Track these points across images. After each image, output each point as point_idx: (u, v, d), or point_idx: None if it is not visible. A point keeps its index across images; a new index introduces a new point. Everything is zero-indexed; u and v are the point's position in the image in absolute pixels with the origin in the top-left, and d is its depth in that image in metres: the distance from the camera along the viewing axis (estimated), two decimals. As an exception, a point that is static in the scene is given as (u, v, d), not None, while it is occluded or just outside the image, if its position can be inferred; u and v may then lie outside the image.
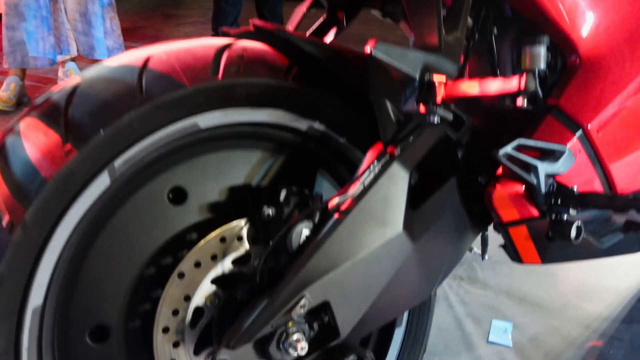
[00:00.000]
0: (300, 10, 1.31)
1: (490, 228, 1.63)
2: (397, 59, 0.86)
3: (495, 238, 1.74)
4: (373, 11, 1.33)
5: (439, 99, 0.85)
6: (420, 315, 1.26)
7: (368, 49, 0.84)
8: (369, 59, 0.83)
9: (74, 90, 0.85)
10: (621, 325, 1.81)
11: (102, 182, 0.85)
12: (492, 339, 1.76)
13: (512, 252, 1.22)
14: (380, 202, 0.95)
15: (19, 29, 3.30)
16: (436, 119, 0.87)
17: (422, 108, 0.88)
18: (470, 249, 1.94)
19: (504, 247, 1.23)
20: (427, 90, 0.87)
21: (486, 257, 1.83)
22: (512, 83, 0.76)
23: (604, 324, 1.83)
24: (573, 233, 1.08)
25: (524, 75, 0.75)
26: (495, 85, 0.78)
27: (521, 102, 0.77)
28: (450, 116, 0.88)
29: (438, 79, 0.86)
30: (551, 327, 1.82)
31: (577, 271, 2.16)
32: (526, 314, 1.89)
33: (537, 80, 1.15)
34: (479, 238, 1.75)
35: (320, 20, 1.37)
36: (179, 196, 0.98)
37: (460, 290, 2.04)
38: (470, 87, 0.81)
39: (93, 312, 0.92)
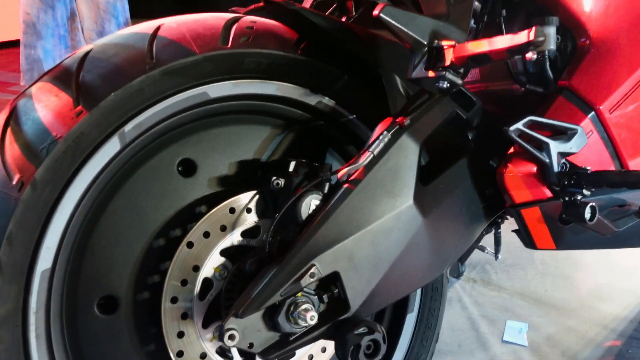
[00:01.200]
0: (310, -2, 1.33)
1: (504, 231, 1.62)
2: (405, 23, 0.86)
3: (508, 241, 1.73)
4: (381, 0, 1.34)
5: (447, 62, 0.85)
6: (433, 301, 1.24)
7: (376, 11, 0.84)
8: (378, 20, 0.84)
9: (85, 55, 0.86)
10: (639, 326, 1.77)
11: (112, 147, 0.85)
12: (506, 338, 1.73)
13: (526, 236, 1.19)
14: (390, 172, 0.94)
15: (36, 47, 3.36)
16: (445, 84, 0.87)
17: (430, 73, 0.88)
18: (483, 249, 1.92)
19: (517, 232, 1.21)
20: (436, 55, 0.87)
21: (499, 257, 1.81)
22: (521, 36, 0.76)
23: (621, 324, 1.79)
24: (587, 214, 1.06)
25: (534, 28, 0.75)
26: (503, 41, 0.78)
27: (531, 55, 0.76)
28: (459, 81, 0.87)
29: (447, 43, 0.86)
30: (568, 328, 1.78)
31: (593, 274, 2.12)
32: (541, 315, 1.86)
33: (548, 61, 1.16)
34: (492, 239, 1.74)
35: (330, 9, 1.39)
36: (188, 168, 0.98)
37: (474, 292, 2.01)
38: (479, 46, 0.81)
39: (102, 282, 0.92)
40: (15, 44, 5.43)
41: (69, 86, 0.83)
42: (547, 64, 1.15)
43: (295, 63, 0.98)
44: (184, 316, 0.94)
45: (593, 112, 1.14)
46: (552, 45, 1.08)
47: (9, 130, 0.82)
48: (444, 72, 0.87)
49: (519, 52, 0.77)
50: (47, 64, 3.43)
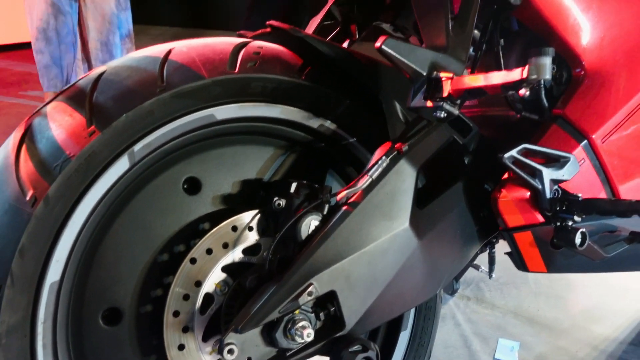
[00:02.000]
0: (315, 21, 1.37)
1: (498, 250, 1.65)
2: (405, 55, 0.90)
3: (502, 260, 1.76)
4: (384, 25, 1.38)
5: (445, 93, 0.89)
6: (426, 320, 1.27)
7: (378, 43, 0.88)
8: (379, 52, 0.88)
9: (99, 77, 0.90)
10: (629, 347, 1.80)
11: (121, 166, 0.89)
12: (498, 356, 1.76)
13: (518, 259, 1.23)
14: (388, 196, 0.98)
15: (44, 53, 3.39)
16: (443, 114, 0.91)
17: (429, 103, 0.91)
18: (478, 267, 1.95)
19: (510, 254, 1.25)
20: (434, 86, 0.91)
21: (493, 275, 1.84)
22: (515, 73, 0.80)
23: (611, 345, 1.82)
24: (578, 239, 1.10)
25: (527, 66, 0.79)
26: (498, 77, 0.82)
27: (524, 91, 0.80)
28: (456, 111, 0.91)
29: (445, 75, 0.90)
30: (558, 347, 1.81)
31: (586, 294, 2.15)
32: (533, 334, 1.89)
33: (543, 90, 1.20)
34: (486, 258, 1.77)
35: (334, 33, 1.43)
36: (193, 186, 1.02)
37: (467, 310, 2.04)
38: (475, 80, 0.85)
39: (107, 294, 0.95)
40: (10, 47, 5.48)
41: (83, 106, 0.87)
42: (543, 92, 1.18)
43: (300, 87, 1.02)
44: (185, 329, 0.97)
45: (586, 141, 1.18)
46: (547, 75, 1.12)
47: (24, 148, 0.86)
48: (442, 103, 0.91)
49: (513, 88, 0.81)
50: (56, 70, 3.43)
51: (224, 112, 0.97)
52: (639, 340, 1.84)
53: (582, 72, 1.19)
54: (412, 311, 1.27)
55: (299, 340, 0.92)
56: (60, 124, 0.86)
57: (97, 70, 0.92)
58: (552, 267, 1.23)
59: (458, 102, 0.92)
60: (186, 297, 0.96)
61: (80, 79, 0.92)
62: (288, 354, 0.94)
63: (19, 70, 5.09)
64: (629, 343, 1.83)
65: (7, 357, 0.82)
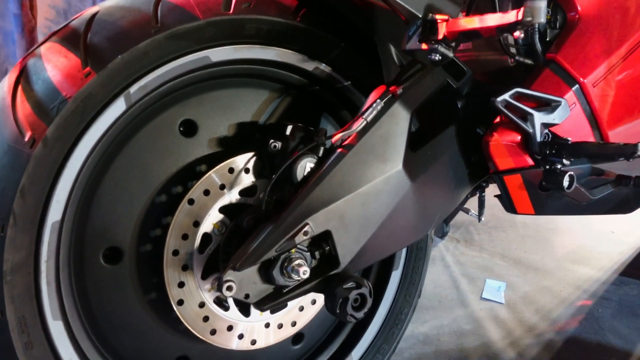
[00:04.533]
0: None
1: (488, 195, 1.69)
2: (401, -3, 0.90)
3: (491, 205, 1.80)
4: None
5: (440, 35, 0.89)
6: (417, 260, 1.32)
7: (374, -16, 0.88)
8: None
9: (92, 17, 0.89)
10: (611, 287, 1.87)
11: (118, 107, 0.90)
12: (485, 296, 1.82)
13: (507, 201, 1.26)
14: (382, 138, 0.99)
15: None
16: (437, 57, 0.92)
17: (424, 46, 0.92)
18: (467, 211, 2.00)
19: (499, 197, 1.28)
20: (429, 28, 0.92)
21: (482, 219, 1.89)
22: (510, 15, 0.80)
23: (594, 285, 1.89)
24: (566, 182, 1.13)
25: (522, 8, 0.79)
26: (493, 19, 0.82)
27: (518, 34, 0.81)
28: (450, 54, 0.92)
29: (440, 17, 0.90)
30: (543, 287, 1.88)
31: (571, 238, 2.22)
32: (519, 275, 1.95)
33: (537, 34, 1.20)
34: (476, 202, 1.81)
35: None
36: (190, 129, 1.02)
37: (457, 252, 2.10)
38: (470, 22, 0.85)
39: (107, 234, 0.97)
40: None
41: (78, 47, 0.86)
42: (537, 37, 1.19)
43: (295, 30, 1.01)
44: (185, 268, 1.00)
45: (577, 85, 1.19)
46: (541, 18, 1.12)
47: (19, 89, 0.86)
48: (437, 45, 0.91)
49: (508, 31, 0.82)
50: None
51: (218, 54, 0.97)
52: (620, 281, 1.91)
53: (577, 17, 1.19)
54: (404, 251, 1.31)
55: (295, 277, 0.95)
56: (55, 65, 0.86)
57: (90, 11, 0.91)
58: (539, 209, 1.26)
59: (453, 44, 0.92)
60: (185, 237, 0.99)
61: (73, 20, 0.91)
62: (284, 291, 0.98)
63: None
64: (611, 283, 1.90)
65: (12, 293, 0.85)
